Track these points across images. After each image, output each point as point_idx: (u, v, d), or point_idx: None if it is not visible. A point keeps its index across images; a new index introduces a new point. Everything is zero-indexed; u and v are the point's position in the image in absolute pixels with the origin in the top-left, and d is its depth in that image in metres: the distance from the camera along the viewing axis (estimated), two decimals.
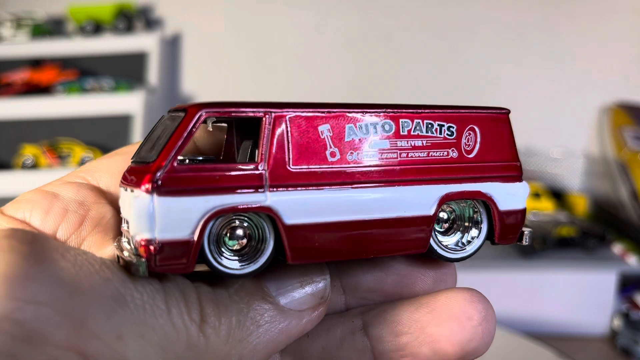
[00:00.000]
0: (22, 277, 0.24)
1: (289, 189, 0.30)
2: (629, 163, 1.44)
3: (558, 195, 1.53)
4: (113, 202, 0.35)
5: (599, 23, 1.68)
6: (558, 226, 1.29)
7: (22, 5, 1.96)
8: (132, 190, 0.30)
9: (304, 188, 0.31)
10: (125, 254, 0.30)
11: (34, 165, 1.62)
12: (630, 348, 1.12)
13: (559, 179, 1.66)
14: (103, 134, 1.70)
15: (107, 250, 0.34)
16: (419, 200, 0.33)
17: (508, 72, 1.72)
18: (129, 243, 0.30)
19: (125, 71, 1.83)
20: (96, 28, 1.86)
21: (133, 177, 0.30)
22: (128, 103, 1.71)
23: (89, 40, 1.86)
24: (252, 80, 1.87)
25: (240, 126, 0.34)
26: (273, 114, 0.31)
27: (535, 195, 1.42)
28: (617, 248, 1.29)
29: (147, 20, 1.92)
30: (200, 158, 0.32)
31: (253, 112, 0.30)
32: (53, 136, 1.68)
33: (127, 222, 0.31)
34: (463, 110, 0.35)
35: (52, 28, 1.94)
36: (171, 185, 0.28)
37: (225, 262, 0.30)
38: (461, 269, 0.38)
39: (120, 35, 1.85)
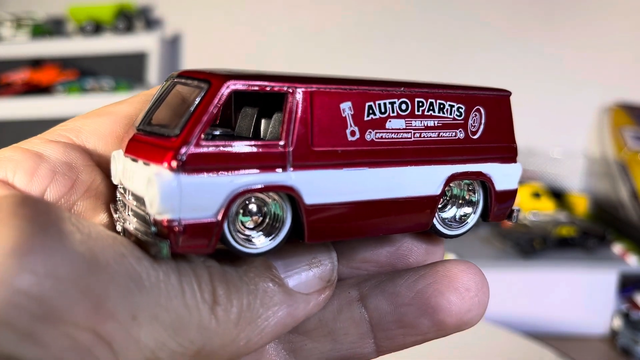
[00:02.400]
0: (39, 249, 0.22)
1: (310, 168, 0.29)
2: (629, 163, 1.43)
3: (558, 195, 1.53)
4: (101, 166, 0.34)
5: (600, 23, 1.68)
6: (558, 226, 1.29)
7: (22, 5, 1.96)
8: (145, 164, 0.28)
9: (324, 167, 0.30)
10: (131, 227, 0.28)
11: None
12: (630, 348, 1.11)
13: (559, 179, 1.66)
14: None
15: (100, 218, 0.33)
16: (429, 180, 0.34)
17: (508, 72, 1.72)
18: (138, 217, 0.29)
19: (125, 71, 1.83)
20: (96, 28, 1.86)
21: (148, 149, 0.28)
22: None
23: (89, 40, 1.86)
24: None
25: (253, 96, 0.33)
26: (300, 90, 0.29)
27: (535, 195, 1.42)
28: (617, 248, 1.29)
29: (147, 20, 1.92)
30: (218, 132, 0.31)
31: (279, 86, 0.29)
32: None
33: (131, 193, 0.30)
34: (471, 91, 0.36)
35: (52, 28, 1.94)
36: (196, 164, 0.26)
37: (254, 239, 0.29)
38: None
39: (120, 35, 1.85)
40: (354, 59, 1.81)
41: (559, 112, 1.70)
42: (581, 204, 1.51)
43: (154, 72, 1.81)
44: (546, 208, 1.41)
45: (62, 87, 1.74)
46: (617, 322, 1.17)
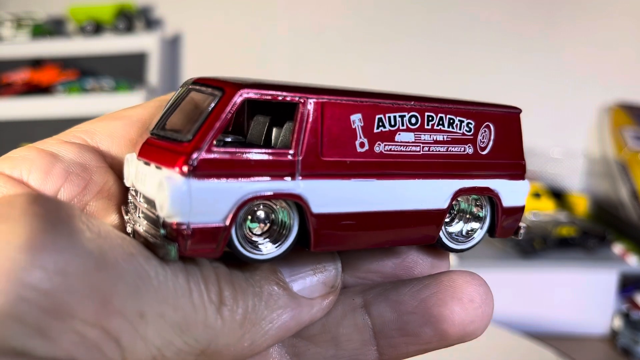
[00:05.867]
0: (49, 246, 0.23)
1: (318, 177, 0.30)
2: (629, 163, 1.44)
3: (558, 195, 1.53)
4: (114, 168, 0.34)
5: (599, 23, 1.68)
6: (558, 226, 1.29)
7: (23, 5, 1.96)
8: (157, 167, 0.28)
9: (332, 177, 0.30)
10: (141, 229, 0.29)
11: None
12: (630, 348, 1.12)
13: (559, 179, 1.66)
14: None
15: (111, 219, 0.33)
16: (436, 194, 0.34)
17: (508, 72, 1.72)
18: (148, 220, 0.29)
19: (125, 71, 1.83)
20: (96, 28, 1.86)
21: (160, 153, 0.29)
22: (128, 103, 1.70)
23: (89, 40, 1.86)
24: None
25: (266, 105, 0.33)
26: (311, 100, 0.30)
27: (535, 195, 1.42)
28: (617, 248, 1.29)
29: (147, 20, 1.92)
30: (229, 139, 0.31)
31: (291, 96, 0.29)
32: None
33: (143, 196, 0.30)
34: (482, 107, 0.36)
35: (52, 28, 1.94)
36: (207, 169, 0.27)
37: (261, 246, 0.30)
38: (462, 268, 0.38)
39: (120, 35, 1.85)
40: (354, 58, 1.81)
41: (559, 112, 1.70)
42: (581, 204, 1.51)
43: (154, 72, 1.81)
44: (546, 208, 1.41)
45: (62, 87, 1.74)
46: (617, 322, 1.17)
